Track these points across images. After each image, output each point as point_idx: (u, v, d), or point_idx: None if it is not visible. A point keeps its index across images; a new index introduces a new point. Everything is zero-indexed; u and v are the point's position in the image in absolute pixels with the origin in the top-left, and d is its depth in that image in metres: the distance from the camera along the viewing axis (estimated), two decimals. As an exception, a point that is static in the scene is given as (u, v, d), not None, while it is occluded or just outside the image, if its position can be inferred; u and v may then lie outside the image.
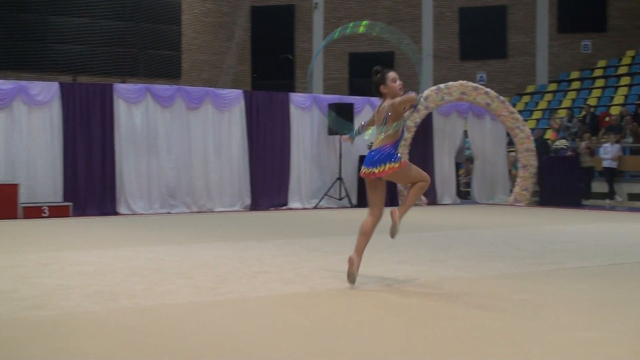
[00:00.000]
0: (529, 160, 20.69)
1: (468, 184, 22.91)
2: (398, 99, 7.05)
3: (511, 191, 21.25)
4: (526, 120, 23.66)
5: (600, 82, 29.14)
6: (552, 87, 30.63)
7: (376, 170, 7.08)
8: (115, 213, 16.92)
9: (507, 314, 6.02)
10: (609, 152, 21.11)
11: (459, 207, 20.04)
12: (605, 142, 21.50)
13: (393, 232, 7.34)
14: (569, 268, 8.50)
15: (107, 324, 5.56)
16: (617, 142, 21.47)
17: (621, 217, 16.97)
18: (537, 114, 28.91)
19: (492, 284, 7.46)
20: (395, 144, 7.17)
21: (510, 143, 21.81)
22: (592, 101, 27.28)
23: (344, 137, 8.54)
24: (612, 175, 21.16)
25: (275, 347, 4.95)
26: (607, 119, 24.27)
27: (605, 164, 21.11)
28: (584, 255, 9.66)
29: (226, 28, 32.16)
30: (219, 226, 14.20)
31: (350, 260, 7.08)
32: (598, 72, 30.02)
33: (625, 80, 28.31)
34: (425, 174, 7.39)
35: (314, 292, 6.92)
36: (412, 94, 6.95)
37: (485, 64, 31.60)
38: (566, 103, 28.48)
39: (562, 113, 26.31)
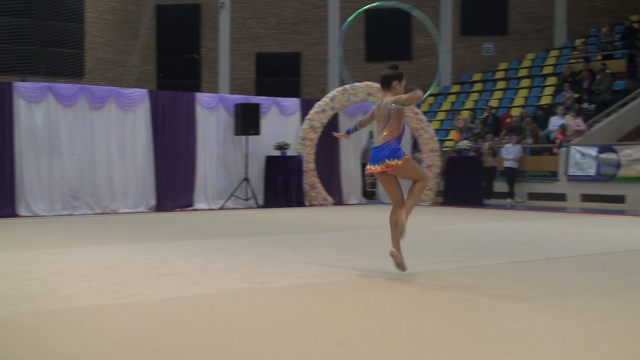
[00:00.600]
0: (433, 160, 21.05)
1: (373, 184, 23.15)
2: (405, 96, 7.33)
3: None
4: (430, 121, 24.05)
5: (501, 84, 29.82)
6: (455, 88, 31.20)
7: (378, 168, 7.54)
8: (15, 215, 16.49)
9: (412, 311, 6.11)
10: (510, 152, 21.63)
11: (364, 207, 20.23)
12: (507, 143, 22.02)
13: (400, 233, 7.66)
14: (471, 266, 8.68)
15: (5, 330, 5.42)
16: (518, 142, 22.02)
17: (521, 216, 17.42)
18: (440, 115, 29.42)
19: (396, 282, 7.56)
20: (399, 139, 7.52)
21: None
22: (493, 102, 27.91)
23: (339, 133, 8.76)
24: (512, 176, 21.69)
25: (179, 348, 4.92)
26: (508, 120, 24.85)
27: (507, 164, 21.63)
28: (485, 253, 9.88)
29: (131, 26, 31.68)
30: (123, 228, 13.98)
31: (392, 254, 7.63)
32: (499, 75, 30.70)
33: (526, 82, 29.05)
34: (424, 172, 7.85)
35: (220, 294, 6.90)
36: (419, 92, 7.21)
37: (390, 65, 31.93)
38: (469, 104, 29.05)
39: (465, 114, 26.82)
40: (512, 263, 9.01)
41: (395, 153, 7.46)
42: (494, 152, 21.64)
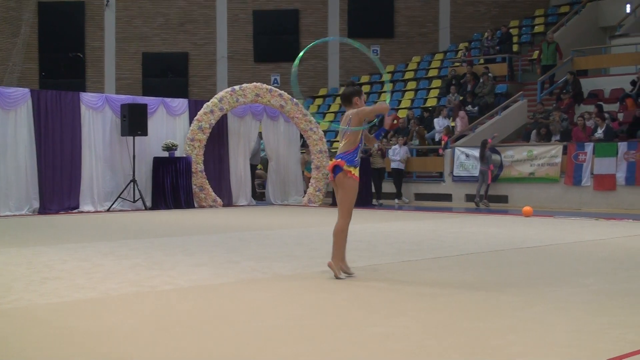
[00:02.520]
0: (321, 161, 21.18)
1: (263, 185, 23.12)
2: (370, 108, 7.66)
3: (305, 192, 21.67)
4: (319, 123, 24.19)
5: (388, 86, 30.25)
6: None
7: (330, 174, 7.84)
8: None
9: (302, 312, 6.12)
10: (397, 154, 21.96)
11: (254, 208, 20.19)
12: (394, 144, 22.34)
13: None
14: (359, 266, 8.75)
15: None
16: (405, 144, 22.38)
17: (409, 216, 17.71)
18: (329, 117, 29.63)
19: (286, 284, 7.56)
20: (356, 151, 7.76)
21: (304, 145, 22.25)
22: (381, 104, 28.27)
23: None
24: (399, 176, 22.03)
25: (61, 355, 4.78)
26: (395, 121, 25.19)
27: (394, 165, 21.95)
28: (374, 253, 9.99)
29: (12, 24, 30.73)
30: (5, 231, 13.52)
31: (329, 265, 7.71)
32: (386, 77, 31.15)
33: (412, 84, 29.61)
34: (349, 213, 7.88)
35: (107, 298, 6.75)
36: (384, 104, 7.54)
37: (279, 66, 32.03)
38: (357, 106, 29.34)
39: (353, 116, 27.07)
40: (401, 262, 9.13)
41: (349, 163, 7.73)
42: (383, 154, 21.92)
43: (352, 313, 6.13)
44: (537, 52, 26.02)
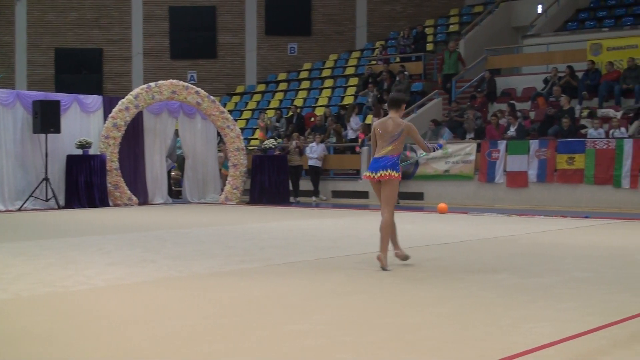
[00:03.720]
0: (239, 159, 21.11)
1: (179, 183, 22.92)
2: (421, 140, 8.84)
3: (222, 190, 21.57)
4: (236, 120, 24.12)
5: (305, 84, 30.35)
6: (261, 87, 31.44)
7: (378, 175, 8.48)
8: None
9: (220, 311, 6.11)
10: (314, 151, 22.03)
11: (170, 206, 20.00)
12: (311, 142, 22.40)
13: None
14: (277, 264, 8.77)
15: None
16: (322, 141, 22.47)
17: (326, 213, 17.80)
18: (246, 114, 29.55)
19: (203, 282, 7.53)
20: (399, 156, 8.58)
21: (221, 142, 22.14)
22: (298, 102, 28.35)
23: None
24: (317, 174, 22.11)
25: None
26: (312, 119, 25.32)
27: (311, 162, 22.01)
28: (292, 251, 10.02)
29: None
30: None
31: (379, 258, 8.38)
32: (304, 74, 31.23)
33: (329, 82, 29.73)
34: (393, 207, 8.65)
35: (18, 299, 6.61)
36: (426, 149, 8.95)
37: (195, 63, 31.79)
38: (274, 103, 29.36)
39: (271, 113, 27.08)
40: (319, 260, 9.18)
41: (395, 166, 8.49)
42: (301, 151, 21.96)
43: (269, 311, 6.14)
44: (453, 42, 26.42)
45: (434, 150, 9.27)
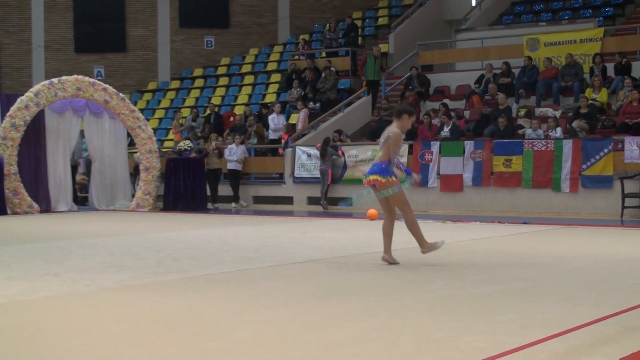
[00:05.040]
0: (151, 162, 20.91)
1: (85, 189, 22.58)
2: (397, 156, 9.67)
3: (133, 196, 21.33)
4: (148, 120, 23.88)
5: (224, 80, 30.25)
6: (175, 84, 31.23)
7: (368, 179, 9.52)
8: None
9: (130, 328, 6.03)
10: (234, 153, 21.94)
11: (76, 214, 19.69)
12: (231, 143, 22.30)
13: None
14: (194, 276, 8.71)
15: None
16: (242, 143, 22.39)
17: (247, 221, 17.75)
18: (159, 113, 29.32)
19: (112, 297, 7.44)
20: (389, 163, 9.43)
21: (132, 144, 21.92)
22: (216, 100, 28.21)
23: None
24: (237, 178, 22.02)
25: None
26: (231, 118, 25.24)
27: (230, 166, 21.91)
28: (209, 262, 9.97)
29: None
30: None
31: (385, 259, 9.52)
32: (222, 70, 31.15)
33: (249, 79, 29.69)
34: (408, 206, 9.61)
35: None
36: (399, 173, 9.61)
37: (103, 57, 31.40)
38: (190, 101, 29.20)
39: (186, 112, 26.91)
40: (239, 271, 9.15)
41: (383, 172, 9.38)
42: (220, 153, 21.83)
43: (185, 328, 6.09)
44: (381, 45, 26.65)
45: (400, 170, 9.78)
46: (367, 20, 30.84)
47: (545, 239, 12.85)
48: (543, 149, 18.46)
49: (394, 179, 9.44)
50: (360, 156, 20.89)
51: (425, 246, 9.66)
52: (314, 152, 21.32)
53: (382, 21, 30.32)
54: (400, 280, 8.43)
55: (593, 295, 7.44)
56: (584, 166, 17.89)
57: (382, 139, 9.64)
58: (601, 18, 25.25)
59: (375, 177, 9.44)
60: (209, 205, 21.39)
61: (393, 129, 9.57)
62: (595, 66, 21.24)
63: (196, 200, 20.98)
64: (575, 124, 19.10)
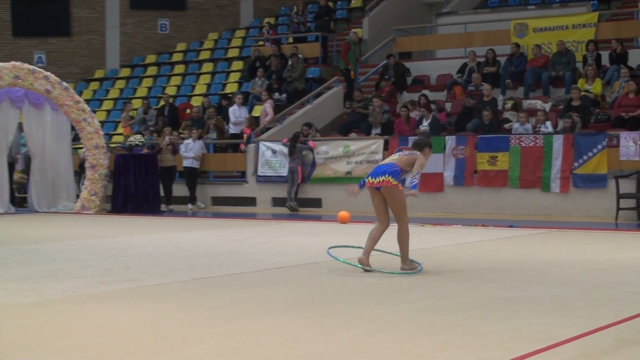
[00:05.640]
0: (98, 159, 20.80)
1: (23, 189, 22.43)
2: (418, 170, 9.79)
3: (78, 196, 21.21)
4: (95, 112, 23.78)
5: (179, 68, 30.14)
6: (125, 72, 31.07)
7: (377, 180, 9.72)
8: None
9: (75, 343, 6.01)
10: (190, 149, 21.85)
11: (13, 217, 19.56)
12: (187, 138, 22.20)
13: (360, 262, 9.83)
14: (146, 286, 8.69)
15: None
16: (200, 138, 22.30)
17: (205, 224, 17.71)
18: (107, 104, 29.18)
19: (54, 308, 7.40)
20: (402, 170, 9.75)
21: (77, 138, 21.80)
22: (171, 90, 28.07)
23: (352, 191, 10.54)
24: (193, 177, 21.92)
25: None
26: (187, 111, 25.15)
27: (187, 163, 21.82)
28: (163, 270, 9.94)
29: None
30: None
31: (360, 261, 9.72)
32: (177, 57, 31.02)
33: (208, 66, 29.59)
34: (406, 216, 9.98)
35: None
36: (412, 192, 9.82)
37: (44, 42, 31.19)
38: (142, 92, 29.05)
39: (137, 103, 26.79)
40: (196, 280, 9.13)
41: (395, 175, 9.67)
42: (175, 149, 21.74)
43: (136, 342, 6.07)
44: (356, 30, 26.70)
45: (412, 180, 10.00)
46: (339, 3, 30.82)
47: (533, 244, 12.95)
48: (531, 145, 18.56)
49: (400, 186, 9.78)
50: (331, 153, 20.89)
51: (407, 264, 9.84)
52: (280, 148, 21.29)
53: (355, 3, 30.32)
54: (375, 289, 8.46)
55: (586, 305, 7.50)
56: (576, 164, 18.01)
57: (405, 152, 10.05)
58: (595, 2, 25.38)
59: (386, 178, 9.68)
60: (163, 207, 21.30)
61: (422, 156, 9.91)
62: (588, 54, 21.40)
63: (148, 201, 20.88)
64: (566, 118, 19.17)
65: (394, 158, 9.97)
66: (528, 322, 6.73)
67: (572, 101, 19.62)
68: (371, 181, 9.80)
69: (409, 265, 9.82)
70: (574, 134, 18.32)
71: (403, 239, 9.85)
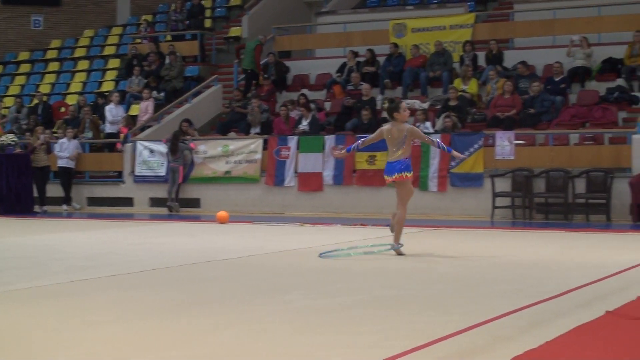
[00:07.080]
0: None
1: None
2: (424, 137, 11.90)
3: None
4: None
5: (54, 66, 29.63)
6: (-3, 69, 30.44)
7: (393, 177, 11.13)
8: None
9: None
10: (65, 149, 21.53)
11: None
12: (61, 138, 21.87)
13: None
14: (19, 289, 8.53)
15: None
16: (75, 137, 21.99)
17: (81, 225, 17.48)
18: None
19: None
20: (410, 158, 11.25)
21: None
22: (45, 88, 27.63)
23: (340, 152, 12.89)
24: (68, 177, 21.62)
25: None
26: (62, 109, 24.77)
27: (61, 163, 21.50)
28: (36, 273, 9.77)
29: None
30: None
31: (398, 252, 11.21)
32: (52, 54, 30.49)
33: (83, 64, 29.17)
34: (406, 205, 11.41)
35: None
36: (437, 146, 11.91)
37: None
38: (14, 89, 28.50)
39: (9, 101, 26.27)
40: (71, 283, 9.01)
41: (408, 168, 11.13)
42: (49, 149, 21.39)
43: (8, 349, 5.95)
44: (233, 29, 26.66)
45: (440, 149, 12.14)
46: (218, 0, 30.74)
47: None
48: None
49: (411, 175, 11.26)
50: (209, 152, 20.85)
51: (397, 243, 11.26)
52: (158, 147, 21.15)
53: (234, 1, 30.26)
54: (253, 290, 8.47)
55: (462, 302, 7.66)
56: (453, 163, 18.35)
57: (397, 138, 11.06)
58: (472, 3, 25.87)
59: (404, 174, 11.08)
60: (36, 208, 20.96)
61: (405, 126, 11.11)
62: (465, 55, 21.86)
63: (21, 202, 20.50)
64: (443, 117, 19.50)
65: (399, 154, 11.09)
66: (405, 320, 6.83)
67: (449, 101, 20.01)
68: (387, 178, 11.27)
69: (397, 251, 11.18)
70: (451, 134, 18.67)
71: (399, 223, 11.20)
